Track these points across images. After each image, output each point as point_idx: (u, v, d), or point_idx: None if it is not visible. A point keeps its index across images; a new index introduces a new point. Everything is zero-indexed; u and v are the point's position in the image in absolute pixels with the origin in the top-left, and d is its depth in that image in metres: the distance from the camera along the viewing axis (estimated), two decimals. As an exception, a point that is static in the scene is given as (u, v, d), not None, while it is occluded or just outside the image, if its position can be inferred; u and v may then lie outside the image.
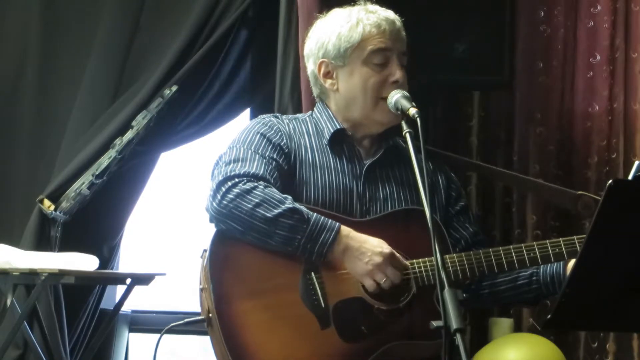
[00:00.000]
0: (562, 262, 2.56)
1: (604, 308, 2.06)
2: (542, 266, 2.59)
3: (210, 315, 2.43)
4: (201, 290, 2.50)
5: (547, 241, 2.50)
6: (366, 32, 2.60)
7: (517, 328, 3.63)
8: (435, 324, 2.00)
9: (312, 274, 2.45)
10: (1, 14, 3.89)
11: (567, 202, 2.74)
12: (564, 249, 2.48)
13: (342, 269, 2.47)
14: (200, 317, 2.51)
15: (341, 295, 2.45)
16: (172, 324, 2.55)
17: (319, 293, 2.44)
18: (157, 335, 2.54)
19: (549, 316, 2.04)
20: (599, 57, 3.74)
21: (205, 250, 2.51)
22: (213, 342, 2.47)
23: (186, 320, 2.57)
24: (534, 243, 2.51)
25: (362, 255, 2.42)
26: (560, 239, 2.50)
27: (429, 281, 2.45)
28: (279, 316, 2.43)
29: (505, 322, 3.59)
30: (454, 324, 1.96)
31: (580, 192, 2.70)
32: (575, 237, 2.50)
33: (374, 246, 2.43)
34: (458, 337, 1.95)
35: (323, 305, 2.43)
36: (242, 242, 2.45)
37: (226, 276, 2.44)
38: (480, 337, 3.59)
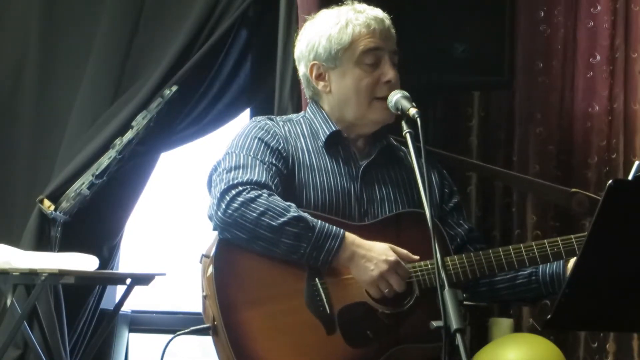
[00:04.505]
0: (561, 262, 2.55)
1: (604, 308, 2.05)
2: (541, 266, 2.59)
3: (216, 323, 2.42)
4: (204, 297, 2.49)
5: (546, 241, 2.50)
6: (356, 32, 2.59)
7: (517, 328, 3.63)
8: (435, 324, 2.00)
9: (317, 279, 2.44)
10: (1, 14, 3.89)
11: (561, 200, 2.75)
12: (562, 248, 2.48)
13: (346, 274, 2.46)
14: (205, 325, 2.50)
15: (346, 300, 2.45)
16: (178, 333, 2.55)
17: (324, 299, 2.43)
18: (157, 336, 2.54)
19: (549, 316, 2.04)
20: (599, 57, 3.74)
21: (204, 255, 2.51)
22: (219, 350, 2.47)
23: (192, 328, 2.55)
24: (533, 243, 2.51)
25: (368, 263, 2.41)
26: (558, 239, 2.50)
27: (431, 284, 2.44)
28: (284, 323, 2.42)
29: (505, 322, 3.59)
30: (454, 324, 1.96)
31: (574, 190, 2.71)
32: (572, 236, 2.50)
33: (380, 254, 2.42)
34: (458, 337, 1.95)
35: (328, 310, 2.43)
36: (247, 249, 2.44)
37: (231, 284, 2.43)
38: (480, 337, 3.59)
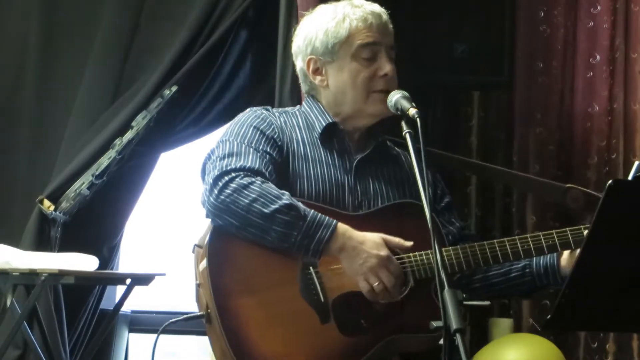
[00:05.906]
0: (555, 254, 2.56)
1: (604, 308, 2.06)
2: (534, 258, 2.59)
3: (209, 310, 2.42)
4: (198, 285, 2.49)
5: (541, 233, 2.50)
6: (353, 26, 2.60)
7: (517, 328, 3.63)
8: (434, 324, 2.00)
9: (311, 268, 2.45)
10: (1, 14, 3.89)
11: (556, 196, 2.74)
12: (557, 240, 2.48)
13: (340, 263, 2.47)
14: (199, 313, 2.50)
15: (340, 290, 2.45)
16: (171, 320, 2.53)
17: (318, 287, 2.43)
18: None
19: (549, 316, 2.04)
20: (598, 57, 3.74)
21: (196, 246, 2.51)
22: (212, 338, 2.47)
23: (185, 316, 2.54)
24: (528, 235, 2.50)
25: (357, 256, 2.41)
26: (554, 231, 2.50)
27: (425, 275, 2.45)
28: (279, 311, 2.42)
29: (505, 322, 3.59)
30: (454, 324, 1.96)
31: (568, 185, 2.71)
32: (568, 229, 2.49)
33: (371, 248, 2.42)
34: (458, 337, 1.95)
35: (322, 299, 2.43)
36: (240, 237, 2.44)
37: (225, 271, 2.43)
38: (480, 337, 3.59)
